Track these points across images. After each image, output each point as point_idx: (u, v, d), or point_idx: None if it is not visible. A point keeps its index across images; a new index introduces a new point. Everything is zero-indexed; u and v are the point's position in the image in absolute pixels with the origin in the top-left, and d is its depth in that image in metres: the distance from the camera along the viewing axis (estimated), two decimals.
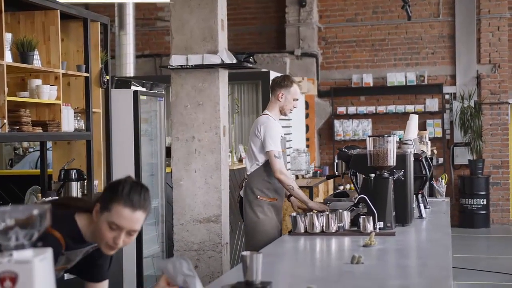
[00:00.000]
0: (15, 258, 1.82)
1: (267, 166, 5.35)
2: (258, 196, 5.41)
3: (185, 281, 2.42)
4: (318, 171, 11.13)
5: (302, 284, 2.75)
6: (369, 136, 4.62)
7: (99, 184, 6.12)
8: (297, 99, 5.52)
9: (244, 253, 2.85)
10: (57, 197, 5.28)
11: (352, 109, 13.33)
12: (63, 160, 5.94)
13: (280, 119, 5.55)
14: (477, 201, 12.62)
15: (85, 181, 5.84)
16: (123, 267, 6.08)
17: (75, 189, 5.66)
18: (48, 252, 1.85)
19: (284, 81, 5.51)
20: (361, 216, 4.37)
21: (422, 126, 12.66)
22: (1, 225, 1.83)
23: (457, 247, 10.28)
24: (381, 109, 13.23)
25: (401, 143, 5.41)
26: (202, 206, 5.79)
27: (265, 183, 5.40)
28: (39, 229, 1.85)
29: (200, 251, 5.78)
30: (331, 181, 11.36)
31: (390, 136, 4.59)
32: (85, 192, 5.85)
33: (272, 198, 5.44)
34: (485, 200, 12.64)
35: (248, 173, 5.53)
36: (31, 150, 8.54)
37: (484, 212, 12.67)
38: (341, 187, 10.54)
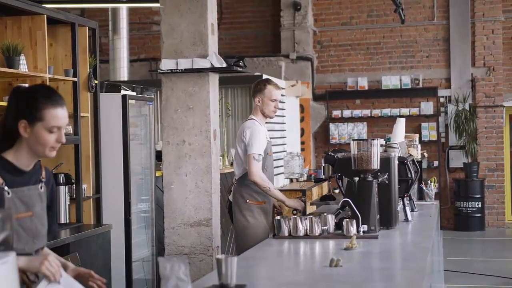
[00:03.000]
0: None
1: None
2: (248, 200, 5.45)
3: (177, 285, 2.42)
4: (313, 175, 11.12)
5: (278, 287, 2.76)
6: (353, 140, 4.63)
7: (87, 188, 6.14)
8: (275, 100, 5.53)
9: (219, 256, 2.88)
10: None
11: (347, 113, 13.33)
12: (51, 165, 5.94)
13: (273, 123, 5.58)
14: (472, 204, 12.62)
15: (73, 185, 5.85)
16: (111, 271, 6.07)
17: (63, 194, 5.66)
18: (11, 256, 1.87)
19: (258, 86, 5.58)
20: (345, 220, 4.37)
21: (417, 129, 12.69)
22: None
23: (451, 250, 10.29)
24: (376, 112, 13.23)
25: (387, 146, 5.42)
26: (193, 209, 5.79)
27: (254, 187, 5.44)
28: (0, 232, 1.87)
29: (191, 254, 5.79)
30: (325, 185, 11.36)
31: (374, 139, 4.59)
32: (74, 196, 5.87)
33: (261, 202, 5.49)
34: (480, 203, 12.64)
35: (236, 178, 5.57)
36: None
37: (479, 215, 12.67)
38: (337, 191, 10.52)
